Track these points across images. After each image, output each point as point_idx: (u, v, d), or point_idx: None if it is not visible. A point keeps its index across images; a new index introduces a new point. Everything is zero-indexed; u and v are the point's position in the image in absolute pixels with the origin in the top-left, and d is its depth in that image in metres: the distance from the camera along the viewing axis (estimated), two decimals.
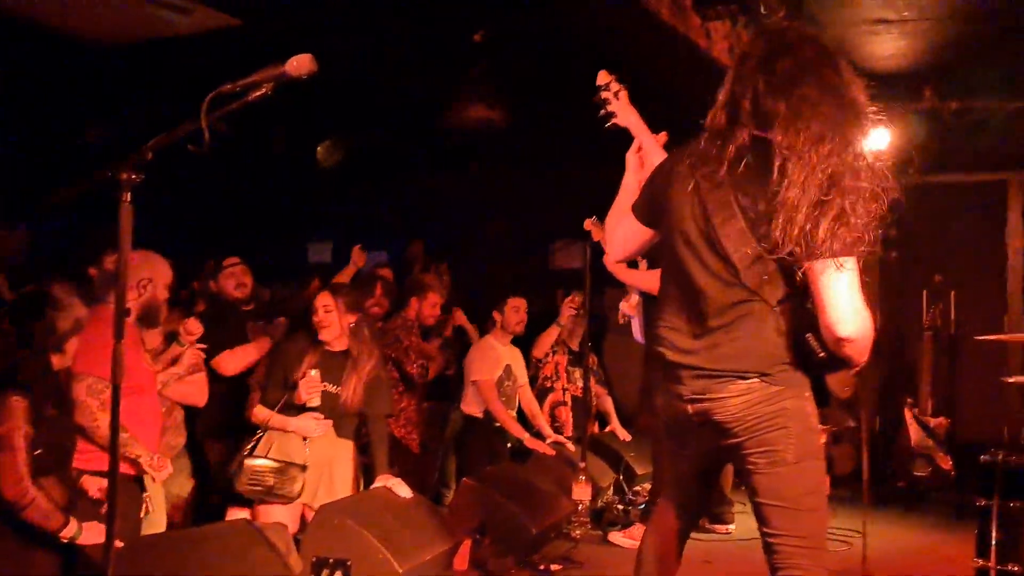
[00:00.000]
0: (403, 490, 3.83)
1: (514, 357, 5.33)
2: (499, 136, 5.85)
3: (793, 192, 2.10)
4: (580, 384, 5.61)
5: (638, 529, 4.53)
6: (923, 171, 6.59)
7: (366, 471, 4.00)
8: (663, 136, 2.93)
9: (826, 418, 6.45)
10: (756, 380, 2.22)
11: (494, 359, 5.15)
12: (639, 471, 5.42)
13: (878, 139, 6.16)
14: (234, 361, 4.21)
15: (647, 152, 2.75)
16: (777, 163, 2.13)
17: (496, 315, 5.28)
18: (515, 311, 5.22)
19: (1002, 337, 3.23)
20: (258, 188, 7.05)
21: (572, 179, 6.81)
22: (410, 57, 5.06)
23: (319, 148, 6.46)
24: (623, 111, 2.83)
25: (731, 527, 4.84)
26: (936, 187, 6.63)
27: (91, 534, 2.71)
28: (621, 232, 2.58)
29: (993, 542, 3.12)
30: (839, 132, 2.13)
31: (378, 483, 3.89)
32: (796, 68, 2.17)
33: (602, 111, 2.83)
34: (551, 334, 5.57)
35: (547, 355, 5.59)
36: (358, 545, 3.42)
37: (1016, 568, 3.06)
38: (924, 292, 6.43)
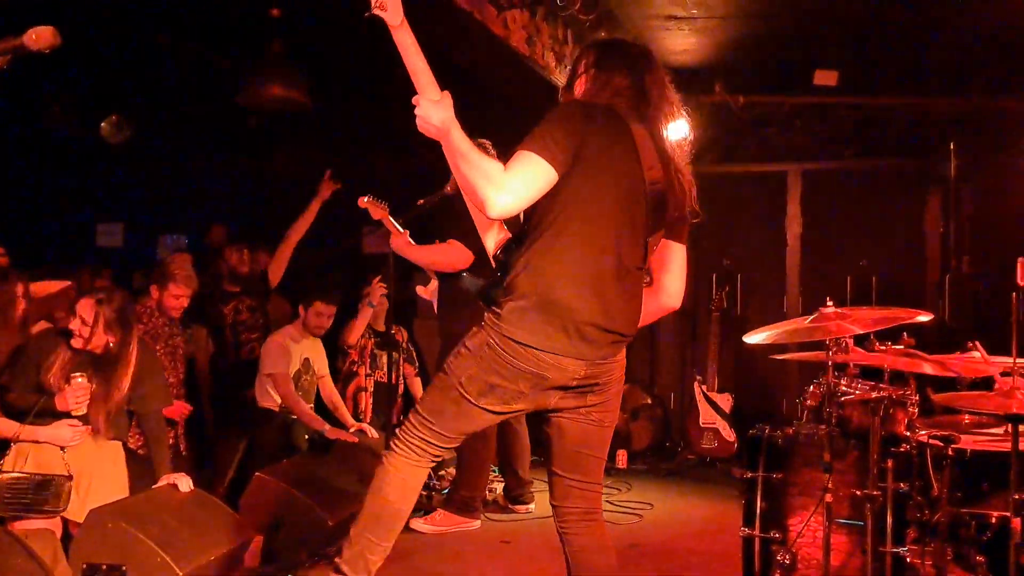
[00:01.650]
0: (186, 485, 3.63)
1: (314, 349, 5.19)
2: (305, 119, 5.67)
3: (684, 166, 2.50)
4: (387, 370, 5.55)
5: (440, 515, 4.56)
6: (715, 161, 7.00)
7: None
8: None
9: (625, 396, 6.76)
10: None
11: (290, 352, 5.00)
12: (446, 456, 5.44)
13: (677, 130, 6.51)
14: None
15: (422, 87, 2.26)
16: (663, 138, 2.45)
17: (301, 310, 5.12)
18: (317, 316, 5.08)
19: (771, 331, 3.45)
20: (39, 165, 6.49)
21: (380, 163, 6.73)
22: (203, 29, 4.79)
23: (103, 124, 5.99)
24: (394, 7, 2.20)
25: (531, 507, 4.95)
26: (725, 177, 7.05)
27: None
28: (533, 184, 2.21)
29: (758, 511, 3.35)
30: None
31: (160, 482, 3.69)
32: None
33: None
34: (364, 317, 5.46)
35: (358, 339, 5.49)
36: (134, 549, 3.21)
37: (778, 535, 3.30)
38: (713, 275, 6.84)
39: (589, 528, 2.48)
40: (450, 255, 4.50)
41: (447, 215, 4.71)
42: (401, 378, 5.60)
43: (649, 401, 6.74)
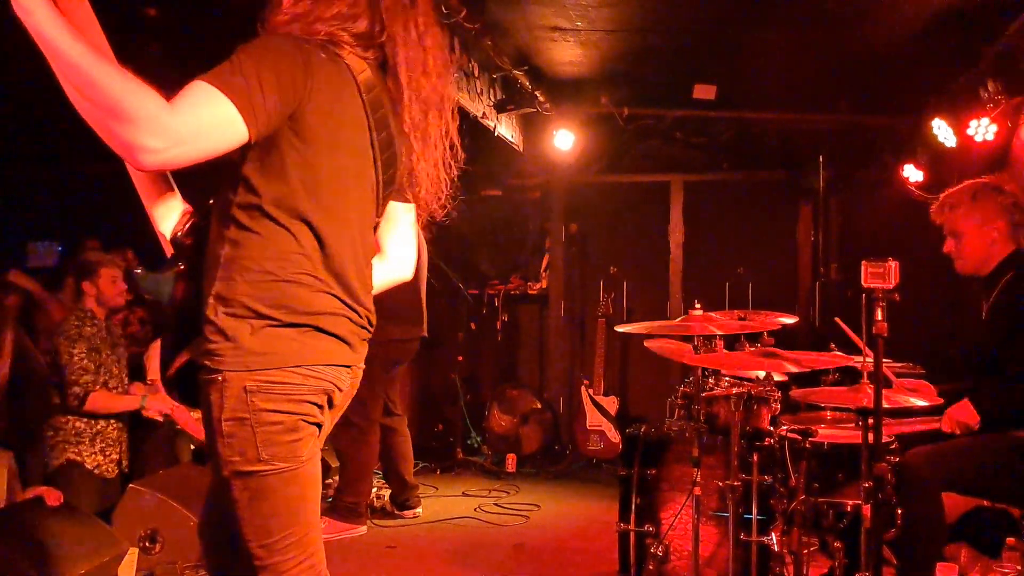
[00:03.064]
0: (54, 499, 3.52)
1: None
2: None
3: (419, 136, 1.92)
4: None
5: (324, 522, 4.52)
6: (601, 172, 7.19)
7: None
8: None
9: (516, 401, 6.86)
10: None
11: None
12: (331, 463, 5.40)
13: (563, 140, 6.66)
14: None
15: None
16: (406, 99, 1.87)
17: None
18: None
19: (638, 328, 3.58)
20: None
21: None
22: None
23: None
24: None
25: (418, 511, 4.97)
26: (612, 186, 7.26)
27: None
28: (212, 137, 1.56)
29: (633, 507, 3.47)
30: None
31: (27, 495, 3.57)
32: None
33: None
34: None
35: None
36: None
37: (651, 528, 3.43)
38: (600, 282, 7.03)
39: None
40: None
41: None
42: None
43: (538, 406, 6.85)
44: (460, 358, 6.98)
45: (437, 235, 7.25)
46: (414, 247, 2.10)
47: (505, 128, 6.24)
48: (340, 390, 1.80)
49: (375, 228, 1.96)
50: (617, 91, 6.43)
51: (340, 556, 4.18)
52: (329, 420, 1.83)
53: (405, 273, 2.08)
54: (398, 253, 2.06)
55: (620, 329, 3.35)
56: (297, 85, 1.65)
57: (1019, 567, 3.13)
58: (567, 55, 5.83)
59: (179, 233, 1.81)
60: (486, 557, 4.23)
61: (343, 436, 4.61)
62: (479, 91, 5.63)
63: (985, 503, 3.78)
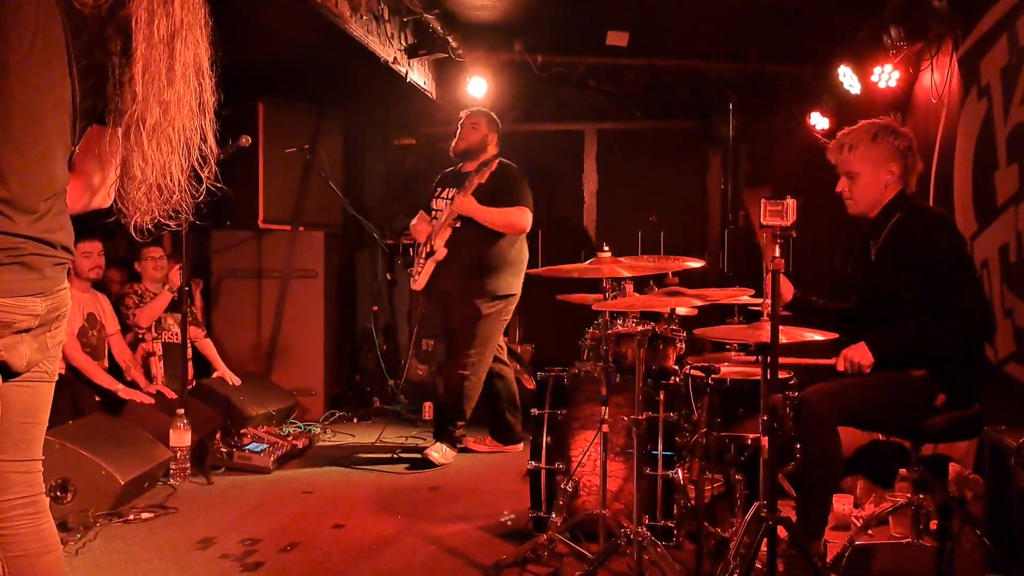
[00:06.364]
0: None
1: (97, 303, 4.94)
2: None
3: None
4: (174, 330, 5.38)
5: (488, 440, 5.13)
6: (516, 120, 7.17)
7: None
8: None
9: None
10: None
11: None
12: (248, 413, 5.36)
13: (477, 88, 6.60)
14: None
15: None
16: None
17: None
18: (86, 257, 4.80)
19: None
20: None
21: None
22: None
23: None
24: None
25: (520, 446, 5.02)
26: (526, 135, 7.25)
27: None
28: None
29: (544, 445, 3.57)
30: None
31: None
32: None
33: None
34: (163, 301, 5.21)
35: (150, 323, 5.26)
36: None
37: (561, 465, 3.53)
38: None
39: (34, 522, 1.87)
40: (522, 219, 5.08)
41: (501, 182, 5.08)
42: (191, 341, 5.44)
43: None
44: (375, 308, 6.96)
45: (352, 185, 7.18)
46: (106, 175, 1.93)
47: (417, 75, 6.17)
48: (31, 313, 1.75)
49: (71, 156, 1.84)
50: (531, 38, 6.39)
51: (255, 501, 4.18)
52: (33, 343, 1.80)
53: (101, 202, 1.96)
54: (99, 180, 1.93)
55: (529, 272, 3.39)
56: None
57: (909, 495, 3.32)
58: None
59: None
60: (402, 500, 4.29)
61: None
62: (389, 35, 5.55)
63: (880, 437, 3.99)
